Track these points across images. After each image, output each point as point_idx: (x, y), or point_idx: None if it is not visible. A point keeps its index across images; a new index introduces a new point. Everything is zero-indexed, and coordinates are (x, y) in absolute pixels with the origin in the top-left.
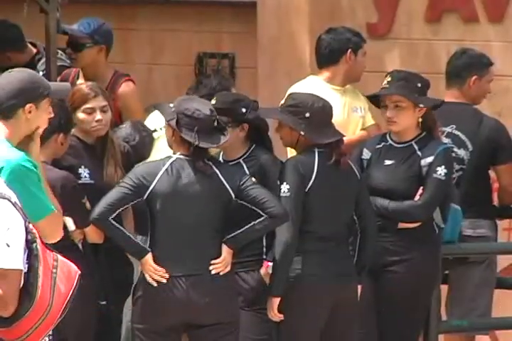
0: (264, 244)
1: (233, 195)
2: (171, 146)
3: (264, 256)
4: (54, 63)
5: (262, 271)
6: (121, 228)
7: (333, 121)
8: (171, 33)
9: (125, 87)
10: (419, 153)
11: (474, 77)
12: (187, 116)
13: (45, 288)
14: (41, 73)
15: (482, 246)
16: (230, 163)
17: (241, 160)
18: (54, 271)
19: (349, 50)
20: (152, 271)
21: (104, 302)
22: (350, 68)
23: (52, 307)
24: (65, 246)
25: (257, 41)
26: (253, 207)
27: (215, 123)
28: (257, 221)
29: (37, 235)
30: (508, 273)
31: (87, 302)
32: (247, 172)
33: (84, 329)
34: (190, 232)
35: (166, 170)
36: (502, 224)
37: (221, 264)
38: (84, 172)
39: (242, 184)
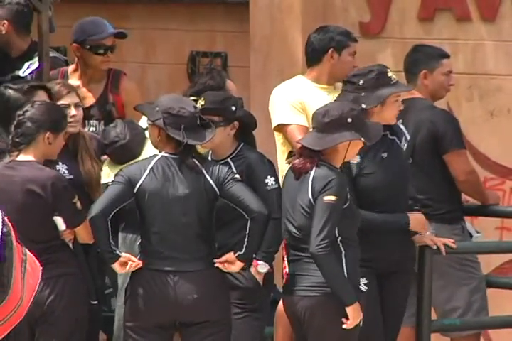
0: None
1: (218, 192)
2: (155, 146)
3: (254, 255)
4: (47, 62)
5: (252, 269)
6: (109, 233)
7: None
8: (163, 32)
9: (128, 82)
10: (397, 141)
11: (423, 72)
12: (172, 115)
13: (17, 281)
14: (37, 63)
15: (475, 245)
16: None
17: (229, 160)
18: (24, 264)
19: (330, 49)
20: (131, 267)
21: (95, 302)
22: (333, 67)
23: (24, 299)
24: (55, 246)
25: (250, 40)
26: (234, 206)
27: (199, 121)
28: (248, 228)
29: (11, 227)
30: (501, 272)
31: (78, 301)
32: (235, 171)
33: (77, 329)
34: (179, 229)
35: (152, 168)
36: (494, 223)
37: (223, 262)
38: (62, 168)
39: (225, 181)
